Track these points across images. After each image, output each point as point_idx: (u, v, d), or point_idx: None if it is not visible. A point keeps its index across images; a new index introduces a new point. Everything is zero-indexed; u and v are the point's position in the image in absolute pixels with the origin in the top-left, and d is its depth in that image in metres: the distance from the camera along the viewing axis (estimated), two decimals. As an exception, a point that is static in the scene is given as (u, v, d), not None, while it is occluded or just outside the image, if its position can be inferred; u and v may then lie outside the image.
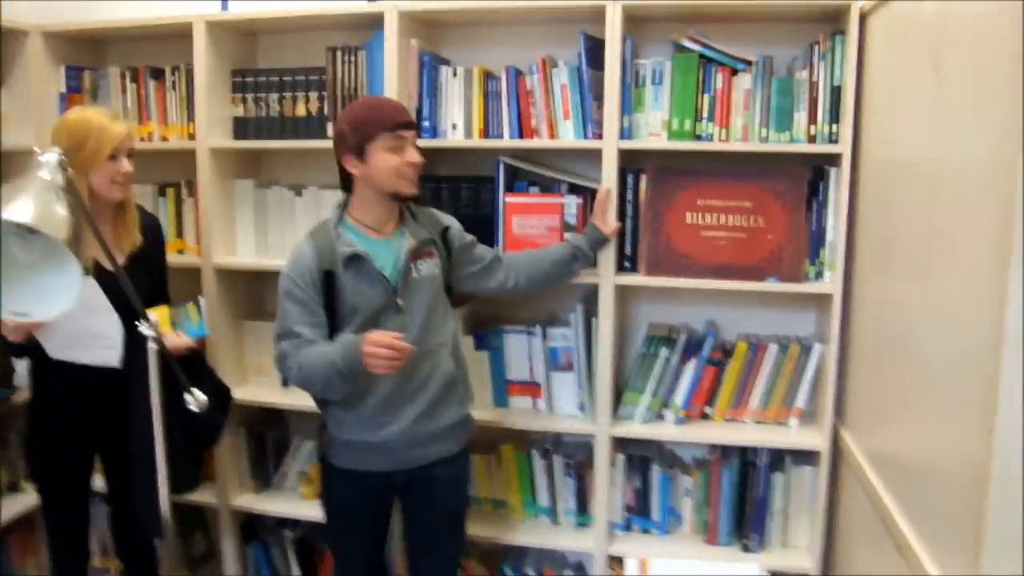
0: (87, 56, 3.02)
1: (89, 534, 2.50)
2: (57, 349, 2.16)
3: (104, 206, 2.20)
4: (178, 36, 2.71)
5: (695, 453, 2.70)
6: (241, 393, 2.80)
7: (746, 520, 2.51)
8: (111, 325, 2.12)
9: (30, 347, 2.16)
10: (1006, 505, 1.24)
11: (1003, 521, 1.24)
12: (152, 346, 1.80)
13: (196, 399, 1.94)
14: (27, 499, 2.87)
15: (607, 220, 2.39)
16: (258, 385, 2.90)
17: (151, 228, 2.38)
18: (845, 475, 2.31)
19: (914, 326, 1.69)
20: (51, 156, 1.53)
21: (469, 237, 2.29)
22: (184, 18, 2.65)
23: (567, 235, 2.44)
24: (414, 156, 2.06)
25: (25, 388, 2.70)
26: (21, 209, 1.40)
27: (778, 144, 2.30)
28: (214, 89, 2.70)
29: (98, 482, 2.50)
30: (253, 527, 3.00)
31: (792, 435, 2.45)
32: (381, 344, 1.91)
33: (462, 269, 2.27)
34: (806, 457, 2.47)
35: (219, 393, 2.39)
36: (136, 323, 1.81)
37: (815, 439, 2.40)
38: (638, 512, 2.63)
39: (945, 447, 1.48)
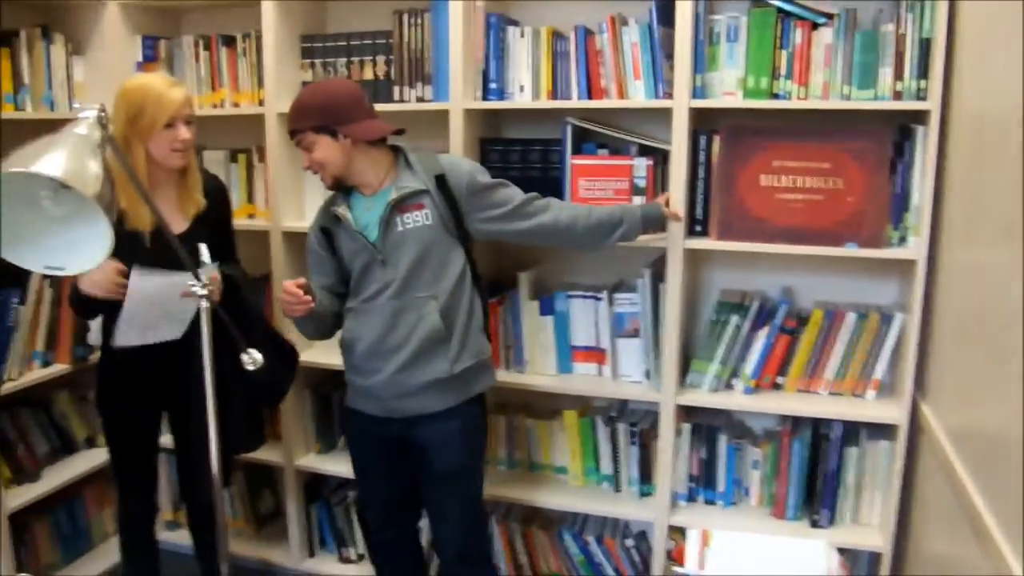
0: (162, 25, 2.99)
1: (156, 489, 2.49)
2: (124, 338, 2.13)
3: (167, 171, 2.16)
4: (248, 3, 2.66)
5: (764, 424, 2.55)
6: (306, 356, 2.75)
7: (816, 495, 2.36)
8: (191, 301, 2.07)
9: (100, 307, 2.13)
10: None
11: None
12: (204, 304, 1.75)
13: (252, 358, 1.88)
14: (103, 453, 2.87)
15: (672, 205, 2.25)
16: (323, 348, 2.83)
17: (215, 190, 2.33)
18: (923, 452, 2.14)
19: (1005, 295, 1.51)
20: (89, 111, 1.48)
21: (486, 180, 2.14)
22: (255, -16, 2.59)
23: (627, 210, 2.23)
24: (302, 161, 2.12)
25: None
26: (52, 163, 1.34)
27: (861, 102, 2.12)
28: (283, 55, 2.64)
29: (167, 438, 2.48)
30: (317, 487, 2.96)
31: (868, 408, 2.29)
32: (284, 289, 2.00)
33: (478, 214, 2.13)
34: (882, 431, 2.30)
35: (283, 353, 2.35)
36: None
37: (892, 413, 2.23)
38: (703, 483, 2.50)
39: None
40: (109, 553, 2.98)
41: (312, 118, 2.03)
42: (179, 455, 2.49)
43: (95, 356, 2.77)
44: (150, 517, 2.48)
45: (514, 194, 2.15)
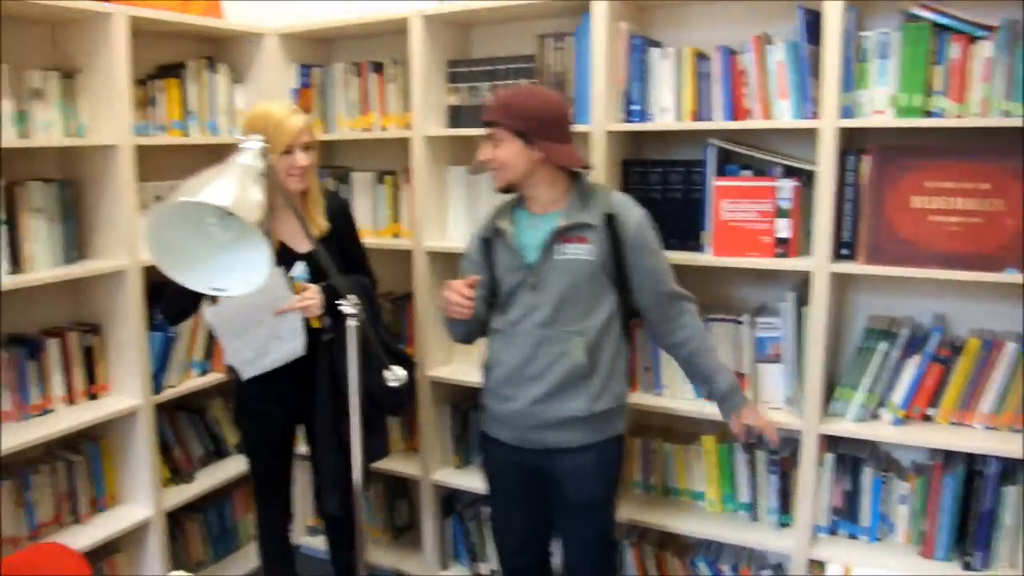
0: (316, 54, 3.21)
1: (291, 496, 2.65)
2: (249, 368, 2.30)
3: (290, 194, 2.26)
4: (397, 31, 2.83)
5: (914, 457, 2.47)
6: (447, 372, 2.88)
7: (969, 535, 2.26)
8: (291, 316, 2.22)
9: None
10: None
11: None
12: (351, 323, 1.82)
13: (395, 375, 1.98)
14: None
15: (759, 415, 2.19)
16: (463, 364, 2.95)
17: (338, 209, 2.44)
18: None
19: None
20: (253, 143, 1.61)
21: (650, 240, 2.12)
22: (402, 13, 2.74)
23: (723, 379, 2.18)
24: (479, 152, 2.12)
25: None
26: (222, 191, 1.47)
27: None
28: (430, 80, 2.78)
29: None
30: (452, 501, 3.06)
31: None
32: (452, 288, 2.06)
33: (633, 273, 2.13)
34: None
35: (402, 363, 2.46)
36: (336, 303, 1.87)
37: None
38: (846, 516, 2.45)
39: None
40: (255, 554, 3.16)
41: (517, 119, 2.03)
42: (313, 464, 2.63)
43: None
44: (285, 523, 2.63)
45: (668, 277, 2.16)
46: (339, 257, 2.38)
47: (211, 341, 2.96)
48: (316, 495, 2.73)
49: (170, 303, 2.30)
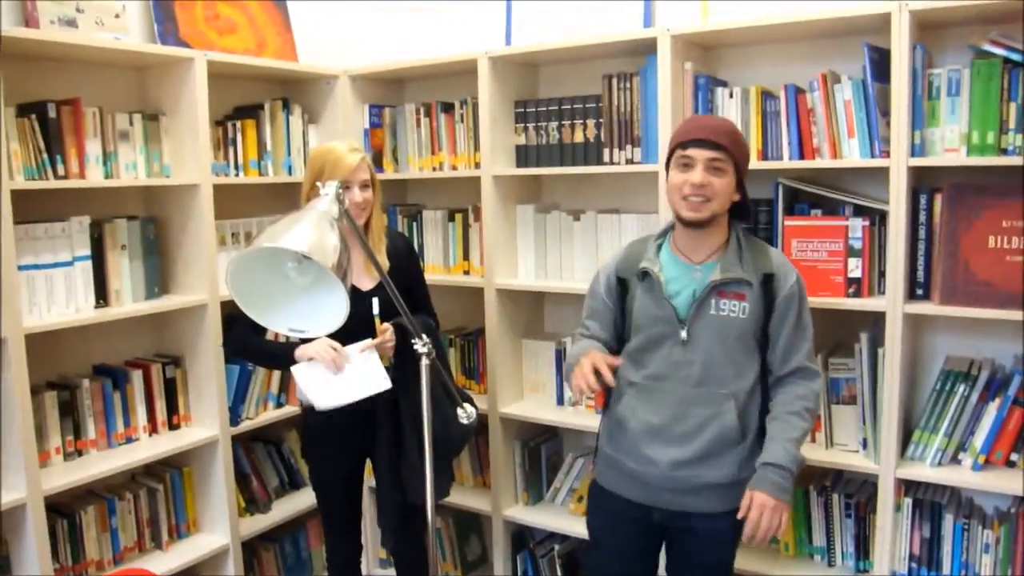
0: (387, 94, 3.34)
1: (360, 529, 2.74)
2: (328, 400, 2.36)
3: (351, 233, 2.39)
4: (465, 72, 2.94)
5: (997, 504, 2.43)
6: (518, 408, 2.95)
7: (1057, 584, 2.22)
8: (372, 358, 2.31)
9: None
10: None
11: None
12: (425, 362, 1.90)
13: (467, 412, 2.06)
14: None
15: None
16: (534, 401, 3.03)
17: (401, 250, 2.53)
18: None
19: None
20: (330, 187, 1.71)
21: (792, 312, 2.00)
22: (470, 55, 2.86)
23: (772, 449, 1.96)
24: (695, 176, 1.91)
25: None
26: (300, 237, 1.56)
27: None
28: (497, 119, 2.88)
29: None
30: (523, 538, 3.12)
31: None
32: (594, 362, 1.89)
33: (776, 332, 2.02)
34: None
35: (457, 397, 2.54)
36: (411, 342, 1.95)
37: None
38: (925, 563, 2.41)
39: None
40: (327, 586, 3.29)
41: (742, 153, 1.98)
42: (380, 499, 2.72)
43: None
44: (355, 555, 2.72)
45: (800, 356, 2.03)
46: (403, 296, 2.49)
47: (287, 375, 3.09)
48: (382, 525, 2.83)
49: (245, 351, 2.50)
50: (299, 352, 2.31)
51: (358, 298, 2.30)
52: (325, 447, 2.54)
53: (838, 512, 2.52)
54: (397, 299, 1.90)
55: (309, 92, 3.25)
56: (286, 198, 3.26)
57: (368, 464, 2.66)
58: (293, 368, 2.31)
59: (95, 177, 2.51)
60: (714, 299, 1.97)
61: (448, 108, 3.08)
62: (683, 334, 1.98)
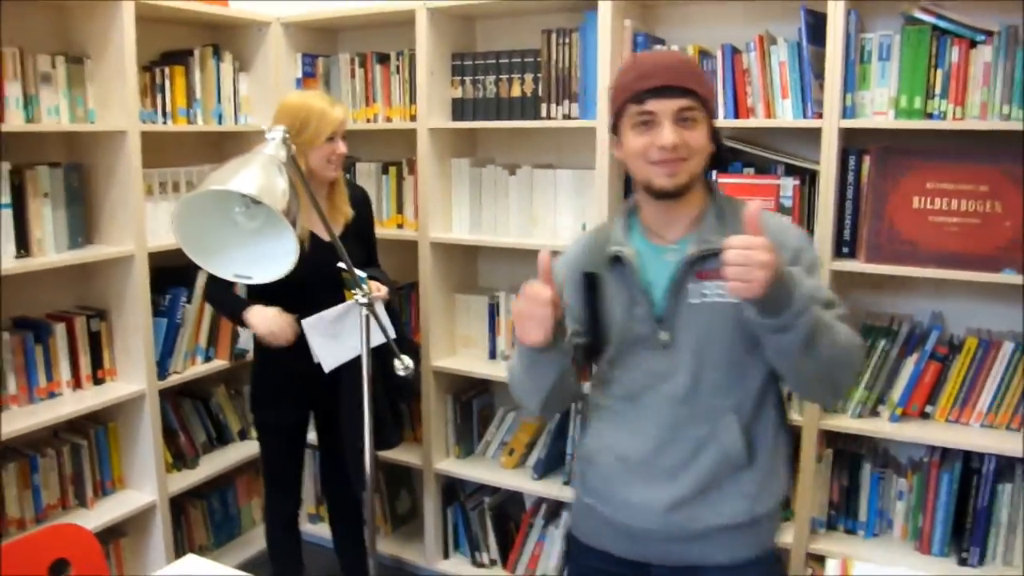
0: (320, 44, 3.28)
1: (302, 484, 2.75)
2: (335, 361, 2.40)
3: (319, 184, 2.40)
4: (402, 23, 2.90)
5: (911, 454, 2.57)
6: (450, 363, 2.98)
7: (965, 531, 2.36)
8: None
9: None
10: None
11: None
12: (364, 313, 1.93)
13: (404, 364, 2.08)
14: (253, 446, 3.21)
15: None
16: (466, 356, 3.05)
17: (361, 200, 2.59)
18: None
19: None
20: (277, 133, 1.69)
21: (806, 265, 1.52)
22: (408, 6, 2.82)
23: None
24: (664, 136, 1.46)
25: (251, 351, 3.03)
26: (247, 180, 1.54)
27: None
28: (435, 72, 2.86)
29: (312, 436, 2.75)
30: (454, 491, 3.16)
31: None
32: (527, 295, 1.43)
33: None
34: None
35: (409, 348, 2.56)
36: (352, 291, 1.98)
37: None
38: (844, 511, 2.54)
39: None
40: (255, 540, 3.29)
41: (708, 87, 1.54)
42: (323, 453, 2.75)
43: (251, 355, 3.10)
44: (295, 511, 2.73)
45: (832, 296, 1.55)
46: (362, 247, 2.50)
47: (215, 328, 3.05)
48: (324, 483, 2.84)
49: (212, 299, 2.60)
50: (249, 317, 2.35)
51: (322, 248, 2.29)
52: (278, 396, 2.54)
53: (762, 463, 2.63)
54: (341, 250, 1.91)
55: (240, 39, 3.17)
56: (216, 147, 3.21)
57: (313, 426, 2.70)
58: (304, 321, 2.32)
59: (15, 121, 2.42)
60: (694, 283, 1.52)
61: (384, 59, 3.05)
62: (662, 335, 1.54)
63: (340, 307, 2.29)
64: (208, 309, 2.99)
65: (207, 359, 3.07)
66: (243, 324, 2.40)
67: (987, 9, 2.21)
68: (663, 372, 1.55)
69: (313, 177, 2.36)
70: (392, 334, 2.17)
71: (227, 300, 2.46)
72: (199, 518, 3.20)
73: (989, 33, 2.15)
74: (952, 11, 2.19)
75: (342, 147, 2.39)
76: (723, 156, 1.59)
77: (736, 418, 1.54)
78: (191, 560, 1.89)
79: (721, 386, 1.54)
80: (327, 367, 2.38)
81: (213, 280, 2.42)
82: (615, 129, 1.57)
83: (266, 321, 2.32)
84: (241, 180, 1.54)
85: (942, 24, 2.18)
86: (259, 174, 1.57)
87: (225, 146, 3.22)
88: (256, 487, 3.40)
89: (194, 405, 3.18)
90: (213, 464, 3.12)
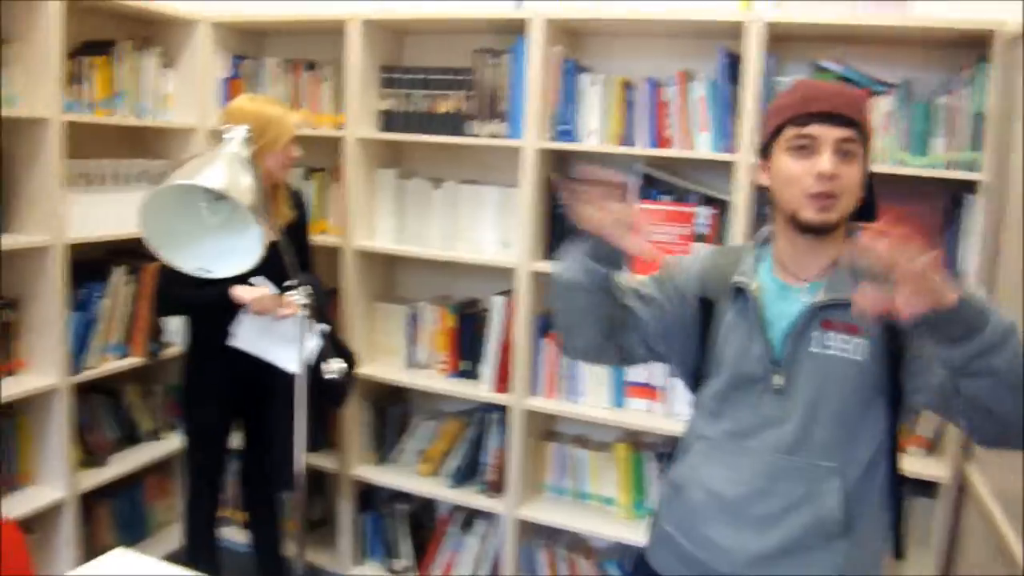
0: (248, 46, 3.32)
1: (225, 485, 2.81)
2: (247, 342, 2.45)
3: (264, 185, 2.46)
4: (332, 32, 2.96)
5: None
6: (368, 369, 3.05)
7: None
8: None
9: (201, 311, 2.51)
10: None
11: None
12: (300, 314, 2.01)
13: (332, 367, 2.16)
14: (165, 446, 3.24)
15: None
16: (385, 364, 3.13)
17: (299, 204, 2.68)
18: (968, 512, 2.30)
19: None
20: (239, 131, 1.76)
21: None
22: (340, 15, 2.89)
23: None
24: (823, 163, 1.39)
25: (175, 345, 3.07)
26: (213, 176, 1.62)
27: (917, 168, 2.33)
28: (364, 83, 2.93)
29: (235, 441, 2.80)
30: (370, 497, 3.24)
31: (912, 464, 2.38)
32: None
33: (914, 380, 1.43)
34: (924, 488, 2.44)
35: (346, 358, 2.63)
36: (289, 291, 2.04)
37: (937, 470, 2.38)
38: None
39: None
40: (164, 542, 3.29)
41: (871, 129, 1.47)
42: (248, 453, 2.80)
43: (168, 352, 3.13)
44: (215, 512, 2.78)
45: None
46: (297, 250, 2.57)
47: (131, 324, 3.05)
48: (245, 486, 2.89)
49: (180, 303, 2.52)
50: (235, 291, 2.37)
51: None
52: (208, 396, 2.59)
53: (667, 475, 2.78)
54: (286, 251, 2.00)
55: (168, 35, 3.17)
56: (139, 142, 3.20)
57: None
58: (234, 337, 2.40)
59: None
60: (817, 331, 1.46)
61: (312, 66, 3.10)
62: (777, 379, 1.47)
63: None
64: (123, 305, 2.99)
65: (121, 356, 3.05)
66: (224, 304, 2.39)
67: (889, 63, 2.44)
68: (773, 418, 1.48)
69: (264, 179, 2.41)
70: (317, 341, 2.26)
71: (203, 291, 2.38)
72: (107, 517, 3.18)
73: (890, 85, 2.35)
74: (857, 63, 2.39)
75: (297, 151, 2.50)
76: (872, 206, 1.49)
77: (839, 483, 1.45)
78: (120, 555, 1.87)
79: (829, 445, 1.45)
80: (232, 342, 2.44)
81: (174, 277, 2.42)
82: (765, 153, 1.51)
83: (253, 291, 2.35)
84: (208, 175, 1.61)
85: (847, 74, 2.38)
86: (225, 170, 1.64)
87: (149, 142, 3.22)
88: (166, 487, 3.40)
89: (106, 402, 3.17)
90: (123, 463, 3.10)
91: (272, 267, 2.07)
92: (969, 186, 2.31)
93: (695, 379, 1.63)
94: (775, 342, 1.48)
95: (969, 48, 2.34)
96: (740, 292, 1.53)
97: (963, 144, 2.29)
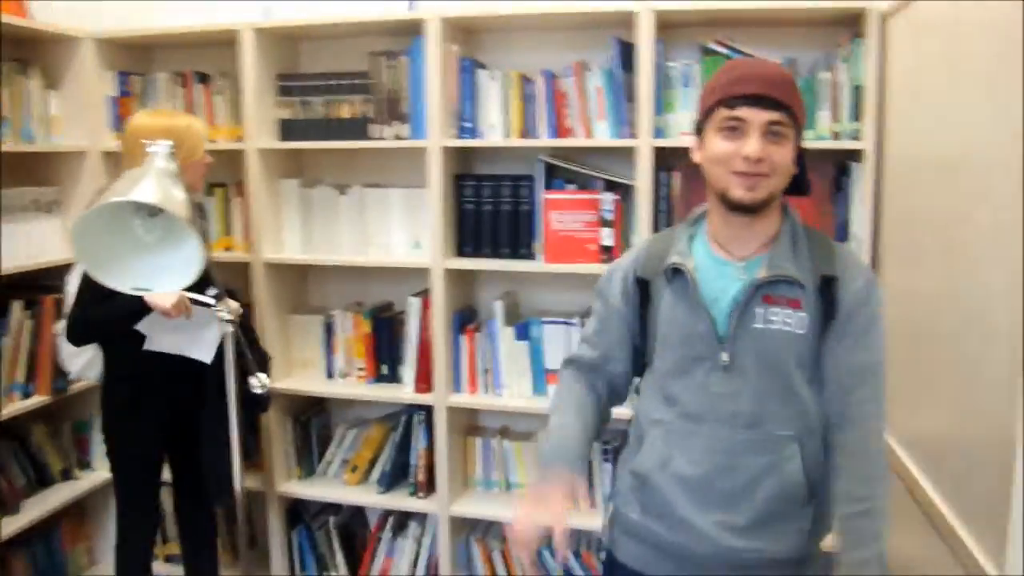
0: (135, 62, 3.26)
1: (159, 513, 2.78)
2: (163, 343, 2.45)
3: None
4: (223, 43, 2.95)
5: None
6: (287, 383, 3.05)
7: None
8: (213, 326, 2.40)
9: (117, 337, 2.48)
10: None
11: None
12: (228, 328, 2.00)
13: (261, 381, 2.17)
14: (78, 486, 3.16)
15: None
16: (304, 376, 3.13)
17: (202, 215, 2.70)
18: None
19: (941, 312, 1.90)
20: (163, 146, 1.76)
21: (863, 318, 1.53)
22: (231, 25, 2.88)
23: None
24: (750, 146, 1.45)
25: (83, 380, 2.98)
26: (146, 192, 1.61)
27: (806, 141, 2.48)
28: (260, 93, 2.93)
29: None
30: (298, 513, 3.23)
31: None
32: (532, 514, 1.59)
33: (827, 357, 1.55)
34: None
35: (263, 361, 2.67)
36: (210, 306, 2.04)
37: None
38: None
39: (975, 424, 1.67)
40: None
41: (802, 106, 1.52)
42: (178, 479, 2.77)
43: (75, 386, 3.06)
44: (151, 547, 2.73)
45: (867, 389, 1.54)
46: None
47: (33, 361, 2.98)
48: (178, 506, 2.84)
49: (93, 325, 2.44)
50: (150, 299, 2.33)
51: None
52: (133, 423, 2.55)
53: (598, 459, 2.86)
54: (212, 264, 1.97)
55: (49, 54, 3.09)
56: (26, 169, 3.10)
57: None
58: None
59: None
60: (760, 307, 1.52)
61: (205, 79, 3.09)
62: (723, 356, 1.53)
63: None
64: (25, 342, 2.92)
65: (25, 395, 2.97)
66: (141, 315, 2.36)
67: (772, 43, 2.59)
68: (725, 395, 1.53)
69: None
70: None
71: (115, 304, 2.34)
72: (22, 567, 3.07)
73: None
74: (743, 44, 2.53)
75: (209, 158, 2.53)
76: (804, 182, 1.58)
77: (799, 449, 1.53)
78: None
79: (783, 416, 1.53)
80: (149, 345, 2.44)
81: (89, 299, 2.37)
82: (699, 131, 1.56)
83: (166, 296, 2.29)
84: (141, 192, 1.61)
85: (733, 55, 2.51)
86: (156, 186, 1.64)
87: (38, 168, 3.13)
88: (83, 530, 3.32)
89: (12, 445, 3.08)
90: (37, 508, 3.00)
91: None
92: (854, 155, 2.48)
93: (638, 364, 1.70)
94: (718, 319, 1.53)
95: (846, 26, 2.51)
96: (677, 272, 1.57)
97: (845, 116, 2.46)
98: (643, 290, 1.64)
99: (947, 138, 1.90)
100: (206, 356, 2.49)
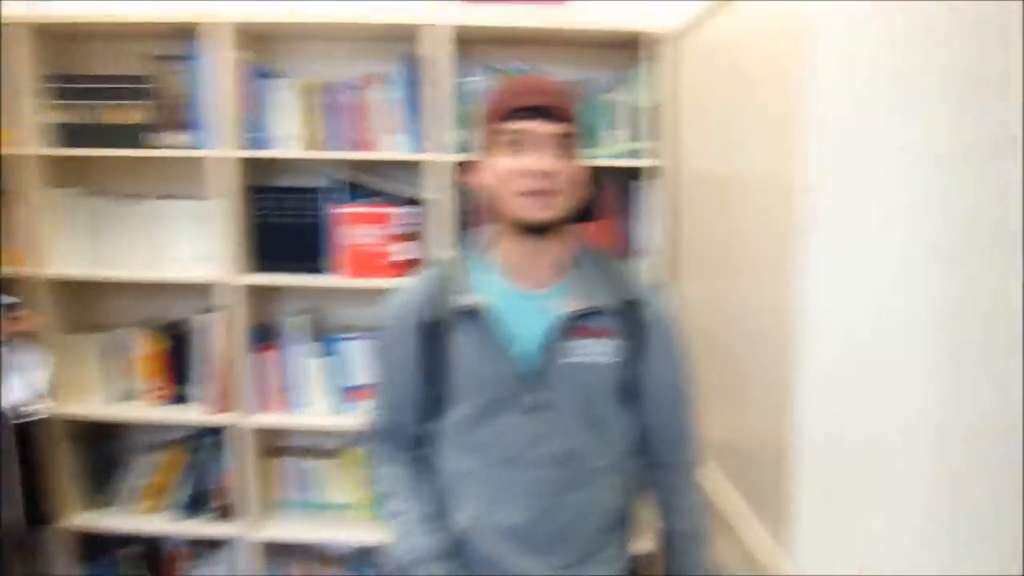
0: None
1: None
2: None
3: None
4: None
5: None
6: (71, 408, 2.84)
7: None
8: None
9: None
10: (808, 470, 1.53)
11: (809, 485, 1.54)
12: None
13: (46, 405, 2.02)
14: None
15: None
16: (89, 400, 2.93)
17: None
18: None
19: (724, 321, 2.02)
20: None
21: (666, 335, 1.55)
22: (-6, 20, 2.64)
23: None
24: (540, 160, 1.39)
25: None
26: None
27: (598, 159, 2.54)
28: (29, 94, 2.70)
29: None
30: (94, 546, 3.01)
31: None
32: None
33: (639, 379, 1.55)
34: None
35: None
36: None
37: None
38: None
39: (758, 426, 1.79)
40: None
41: (579, 126, 1.47)
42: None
43: None
44: None
45: (683, 406, 1.61)
46: None
47: None
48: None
49: None
50: None
51: None
52: None
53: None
54: None
55: None
56: None
57: None
58: None
59: None
60: (569, 341, 1.46)
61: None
62: (528, 398, 1.46)
63: None
64: None
65: None
66: None
67: (566, 63, 2.67)
68: (539, 435, 1.46)
69: None
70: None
71: None
72: None
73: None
74: (536, 63, 2.62)
75: None
76: (592, 208, 1.53)
77: (615, 477, 1.53)
78: None
79: (597, 447, 1.50)
80: None
81: None
82: (485, 154, 1.47)
83: None
84: None
85: (519, 72, 2.56)
86: None
87: None
88: None
89: None
90: None
91: None
92: (649, 172, 2.56)
93: (425, 413, 1.57)
94: (523, 357, 1.45)
95: (638, 48, 2.57)
96: (469, 313, 1.47)
97: (632, 135, 2.55)
98: (430, 335, 1.50)
99: (726, 156, 2.01)
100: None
